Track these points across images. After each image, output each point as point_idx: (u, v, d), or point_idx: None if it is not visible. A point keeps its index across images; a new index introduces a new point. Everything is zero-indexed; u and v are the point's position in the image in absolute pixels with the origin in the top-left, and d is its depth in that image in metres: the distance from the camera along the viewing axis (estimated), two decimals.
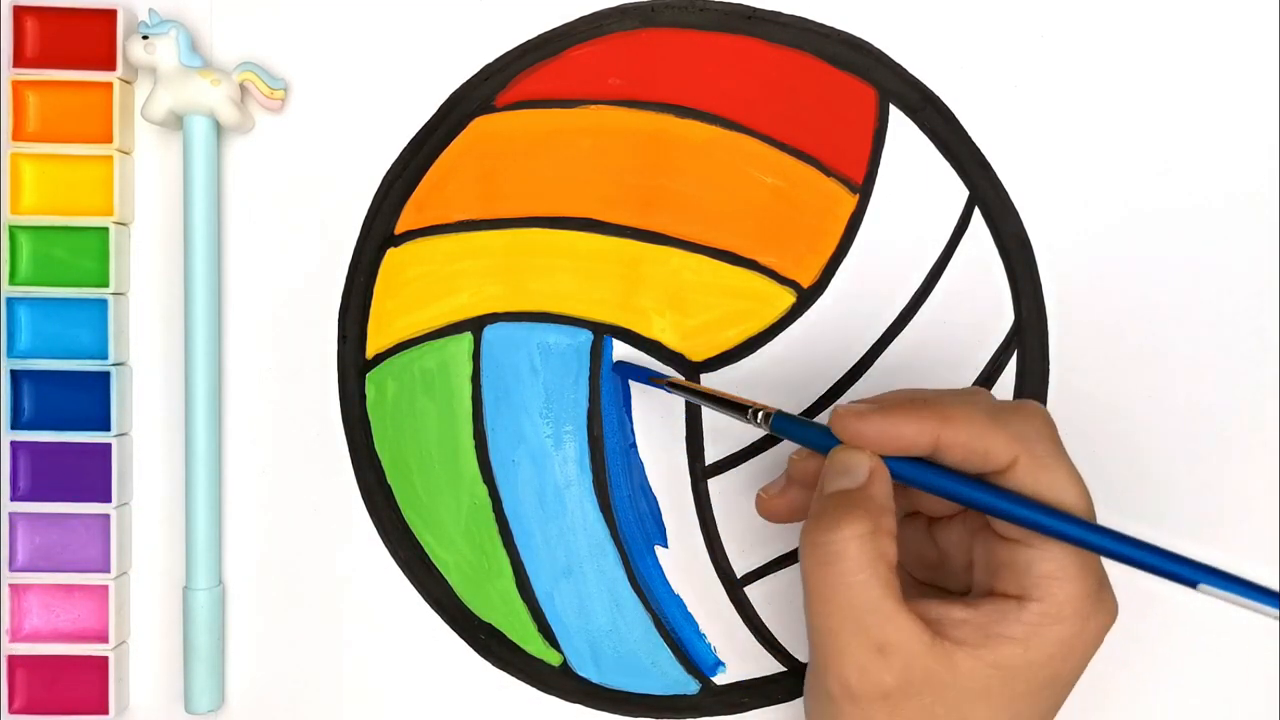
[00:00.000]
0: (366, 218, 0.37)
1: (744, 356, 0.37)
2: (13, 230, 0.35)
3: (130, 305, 0.37)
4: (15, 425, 0.36)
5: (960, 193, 0.37)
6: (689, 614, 0.37)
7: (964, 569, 0.31)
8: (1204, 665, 0.37)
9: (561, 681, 0.37)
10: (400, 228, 0.37)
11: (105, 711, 0.36)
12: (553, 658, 0.37)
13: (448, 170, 0.37)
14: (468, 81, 0.36)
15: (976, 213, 0.37)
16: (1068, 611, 0.27)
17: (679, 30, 0.36)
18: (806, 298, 0.37)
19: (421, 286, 0.37)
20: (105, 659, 0.36)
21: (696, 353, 0.37)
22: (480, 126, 0.37)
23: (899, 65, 0.36)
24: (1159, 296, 0.36)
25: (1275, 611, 0.24)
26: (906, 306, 0.36)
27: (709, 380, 0.36)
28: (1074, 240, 0.36)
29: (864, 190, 0.36)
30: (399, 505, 0.37)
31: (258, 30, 0.36)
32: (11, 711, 0.36)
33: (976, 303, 0.36)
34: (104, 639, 0.36)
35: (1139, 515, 0.36)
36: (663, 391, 0.36)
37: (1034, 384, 0.37)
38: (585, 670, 0.37)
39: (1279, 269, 0.36)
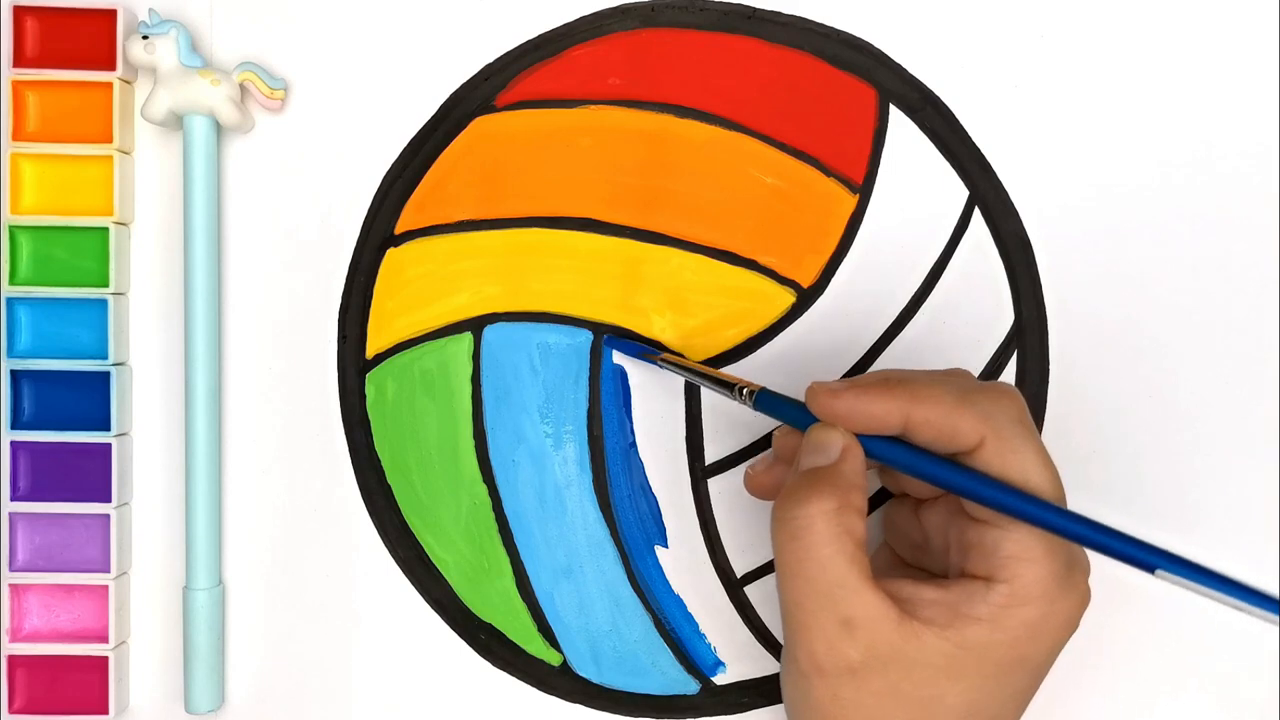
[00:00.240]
0: (366, 218, 0.37)
1: (744, 356, 0.37)
2: (13, 230, 0.35)
3: (130, 305, 0.37)
4: (15, 425, 0.36)
5: (960, 193, 0.37)
6: (689, 614, 0.37)
7: (945, 551, 0.31)
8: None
9: (561, 681, 0.37)
10: (400, 228, 0.37)
11: (105, 711, 0.36)
12: (553, 658, 0.37)
13: (448, 170, 0.37)
14: (468, 81, 0.36)
15: (976, 213, 0.37)
16: (1034, 593, 0.27)
17: (679, 30, 0.36)
18: (806, 298, 0.37)
19: (421, 286, 0.37)
20: (105, 659, 0.36)
21: (696, 353, 0.37)
22: (480, 126, 0.37)
23: (899, 65, 0.36)
24: (1159, 296, 0.36)
25: (1230, 600, 0.23)
26: (906, 306, 0.36)
27: None
28: (1074, 240, 0.36)
29: (864, 190, 0.36)
30: (399, 505, 0.37)
31: (258, 30, 0.36)
32: (11, 711, 0.36)
33: (976, 303, 0.36)
34: (104, 639, 0.36)
35: (1139, 515, 0.36)
36: (671, 386, 0.36)
37: (1034, 384, 0.37)
38: (585, 670, 0.37)
39: (1279, 269, 0.36)
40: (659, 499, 0.37)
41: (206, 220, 0.35)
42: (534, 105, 0.36)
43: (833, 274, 0.36)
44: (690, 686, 0.37)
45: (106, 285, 0.35)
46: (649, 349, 0.36)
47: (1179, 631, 0.37)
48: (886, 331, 0.36)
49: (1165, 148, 0.36)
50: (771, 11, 0.36)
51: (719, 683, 0.37)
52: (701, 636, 0.37)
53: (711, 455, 0.37)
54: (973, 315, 0.36)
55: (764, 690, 0.37)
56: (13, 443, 0.36)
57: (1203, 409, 0.36)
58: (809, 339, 0.36)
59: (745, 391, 0.31)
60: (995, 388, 0.29)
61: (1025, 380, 0.37)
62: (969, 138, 0.36)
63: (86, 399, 0.36)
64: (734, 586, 0.37)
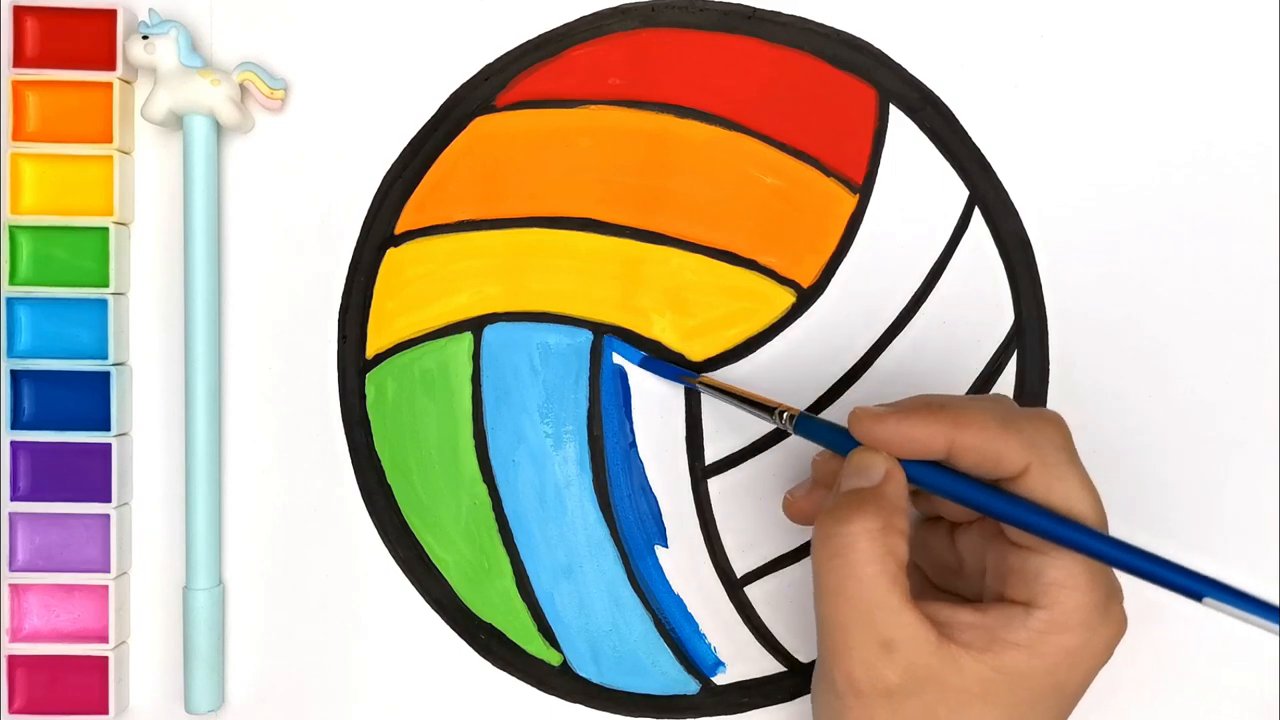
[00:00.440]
0: (366, 218, 0.37)
1: (744, 356, 0.37)
2: (13, 230, 0.35)
3: (130, 305, 0.37)
4: (15, 425, 0.36)
5: (960, 193, 0.37)
6: (689, 614, 0.37)
7: (980, 575, 0.31)
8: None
9: (561, 681, 0.37)
10: (400, 228, 0.37)
11: (105, 711, 0.36)
12: (553, 658, 0.37)
13: (448, 170, 0.37)
14: (468, 81, 0.36)
15: (976, 213, 0.37)
16: (1074, 621, 0.27)
17: (679, 30, 0.36)
18: (806, 298, 0.37)
19: (421, 286, 0.37)
20: (105, 659, 0.36)
21: (696, 353, 0.37)
22: (480, 126, 0.37)
23: (899, 65, 0.36)
24: (1159, 296, 0.36)
25: (1278, 628, 0.24)
26: (906, 306, 0.36)
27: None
28: (1074, 240, 0.36)
29: (864, 190, 0.36)
30: (399, 505, 0.37)
31: (258, 30, 0.36)
32: (11, 711, 0.36)
33: (976, 303, 0.36)
34: (104, 639, 0.36)
35: (1139, 515, 0.36)
36: (671, 386, 0.36)
37: (1034, 384, 0.37)
38: (585, 670, 0.37)
39: (1279, 269, 0.36)
40: (659, 499, 0.37)
41: (206, 220, 0.35)
42: (534, 105, 0.36)
43: (833, 274, 0.36)
44: (690, 686, 0.37)
45: (106, 285, 0.35)
46: (683, 371, 0.36)
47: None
48: (886, 331, 0.36)
49: (1165, 148, 0.36)
50: (771, 11, 0.36)
51: (719, 683, 0.37)
52: (701, 636, 0.37)
53: (711, 455, 0.37)
54: (973, 315, 0.36)
55: (764, 690, 0.37)
56: (13, 443, 0.36)
57: (1203, 409, 0.36)
58: (809, 339, 0.37)
59: (785, 415, 0.31)
60: (1039, 414, 0.29)
61: (1025, 380, 0.37)
62: (969, 138, 0.36)
63: (86, 399, 0.36)
64: (734, 586, 0.37)
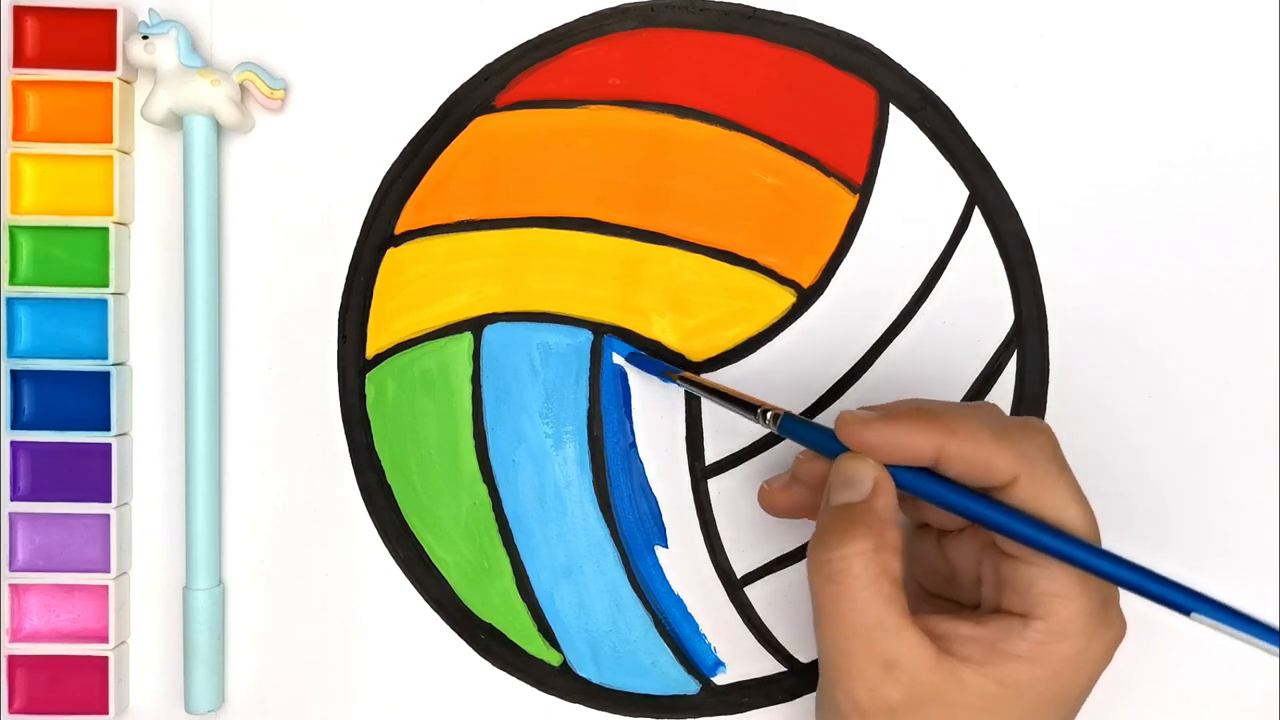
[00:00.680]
0: (366, 218, 0.37)
1: (744, 356, 0.37)
2: (13, 230, 0.35)
3: (130, 305, 0.37)
4: (15, 425, 0.36)
5: (960, 193, 0.37)
6: (689, 614, 0.37)
7: (973, 583, 0.31)
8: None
9: (561, 681, 0.37)
10: (400, 228, 0.37)
11: (105, 711, 0.36)
12: (553, 658, 0.37)
13: (448, 170, 0.37)
14: (468, 81, 0.36)
15: (976, 213, 0.37)
16: (1072, 629, 0.27)
17: (679, 30, 0.36)
18: (806, 298, 0.37)
19: (421, 286, 0.37)
20: (105, 659, 0.36)
21: (696, 353, 0.37)
22: (480, 126, 0.37)
23: (899, 65, 0.36)
24: (1159, 296, 0.36)
25: (1270, 646, 0.24)
26: (906, 306, 0.36)
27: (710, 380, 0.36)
28: (1074, 240, 0.36)
29: (864, 190, 0.36)
30: (399, 505, 0.37)
31: (258, 30, 0.36)
32: (11, 711, 0.36)
33: (976, 303, 0.36)
34: (104, 639, 0.36)
35: (1138, 515, 0.36)
36: (671, 386, 0.36)
37: (1034, 384, 0.37)
38: (585, 670, 0.37)
39: (1279, 269, 0.36)
40: (659, 499, 0.37)
41: (206, 220, 0.35)
42: (534, 105, 0.36)
43: (833, 274, 0.36)
44: (690, 686, 0.37)
45: (106, 285, 0.35)
46: (667, 366, 0.35)
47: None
48: (886, 331, 0.36)
49: (1165, 148, 0.36)
50: (771, 11, 0.36)
51: (719, 683, 0.37)
52: (701, 636, 0.37)
53: (711, 455, 0.37)
54: (973, 315, 0.36)
55: (764, 690, 0.37)
56: (13, 443, 0.36)
57: (1203, 409, 0.36)
58: (809, 339, 0.36)
59: (769, 415, 0.31)
60: (1028, 424, 0.29)
61: (1025, 380, 0.37)
62: (969, 138, 0.36)
63: (86, 399, 0.36)
64: (734, 586, 0.37)
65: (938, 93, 0.36)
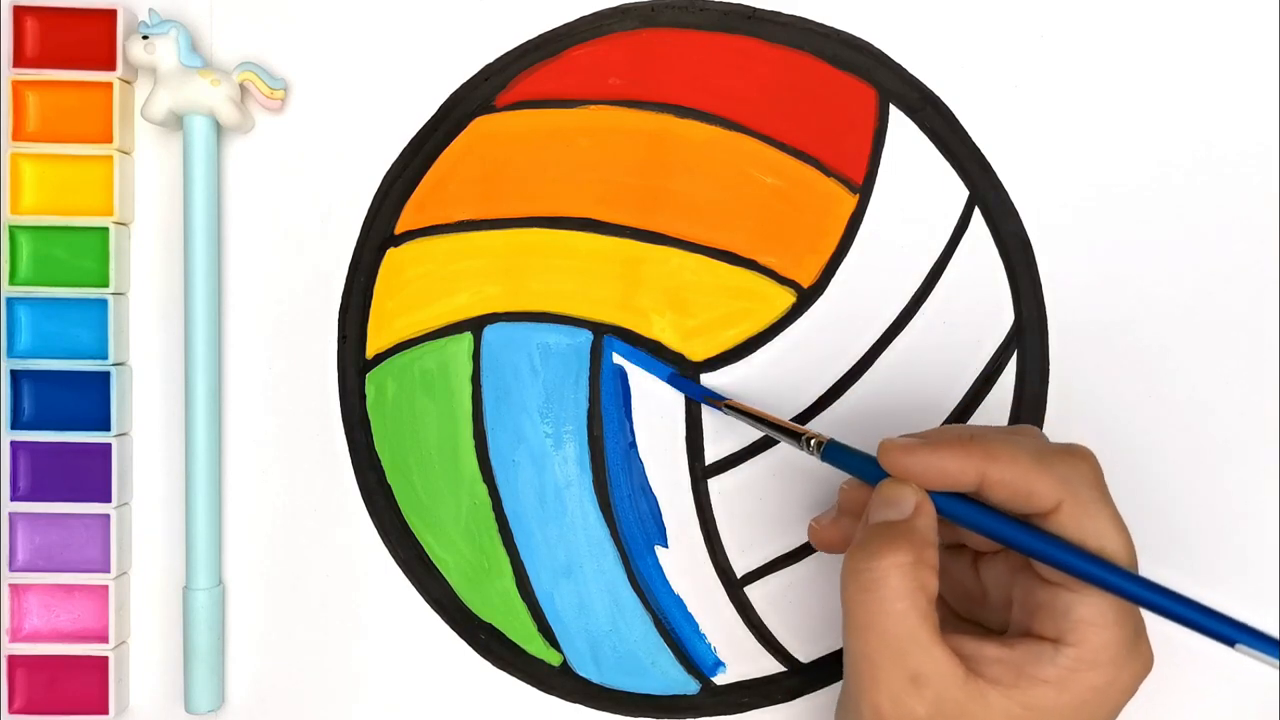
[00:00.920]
0: (366, 218, 0.37)
1: (744, 356, 0.37)
2: (13, 230, 0.35)
3: (130, 305, 0.37)
4: (15, 425, 0.36)
5: (960, 193, 0.37)
6: (689, 614, 0.37)
7: (1004, 606, 0.31)
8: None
9: (561, 681, 0.37)
10: (400, 228, 0.37)
11: (105, 711, 0.36)
12: (553, 658, 0.37)
13: (448, 170, 0.37)
14: (468, 81, 0.36)
15: (976, 213, 0.37)
16: (1103, 658, 0.27)
17: (679, 30, 0.36)
18: (806, 298, 0.37)
19: (421, 286, 0.37)
20: (105, 659, 0.36)
21: (696, 353, 0.37)
22: (480, 126, 0.37)
23: (899, 65, 0.36)
24: (1159, 296, 0.36)
25: None
26: (906, 306, 0.36)
27: (709, 380, 0.36)
28: (1074, 240, 0.36)
29: (864, 190, 0.36)
30: (399, 505, 0.37)
31: (258, 30, 0.36)
32: (11, 711, 0.36)
33: (976, 303, 0.36)
34: (104, 639, 0.36)
35: (1139, 515, 0.36)
36: (670, 386, 0.36)
37: (1034, 384, 0.37)
38: (585, 670, 0.37)
39: (1279, 269, 0.36)
40: (659, 499, 0.37)
41: (206, 220, 0.35)
42: (534, 105, 0.36)
43: (833, 274, 0.36)
44: (690, 686, 0.37)
45: (106, 285, 0.35)
46: (709, 392, 0.36)
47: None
48: (886, 331, 0.36)
49: (1165, 148, 0.36)
50: (771, 11, 0.36)
51: (719, 683, 0.37)
52: (701, 636, 0.37)
53: (711, 455, 0.37)
54: (973, 315, 0.36)
55: (764, 690, 0.37)
56: (13, 443, 0.36)
57: (1203, 409, 0.36)
58: (809, 339, 0.36)
59: (813, 443, 0.31)
60: (1072, 450, 0.29)
61: (1025, 380, 0.37)
62: (969, 138, 0.36)
63: (86, 399, 0.36)
64: (734, 586, 0.37)
65: (938, 93, 0.36)
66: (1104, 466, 0.36)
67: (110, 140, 0.35)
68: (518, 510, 0.37)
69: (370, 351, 0.37)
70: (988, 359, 0.37)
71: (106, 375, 0.35)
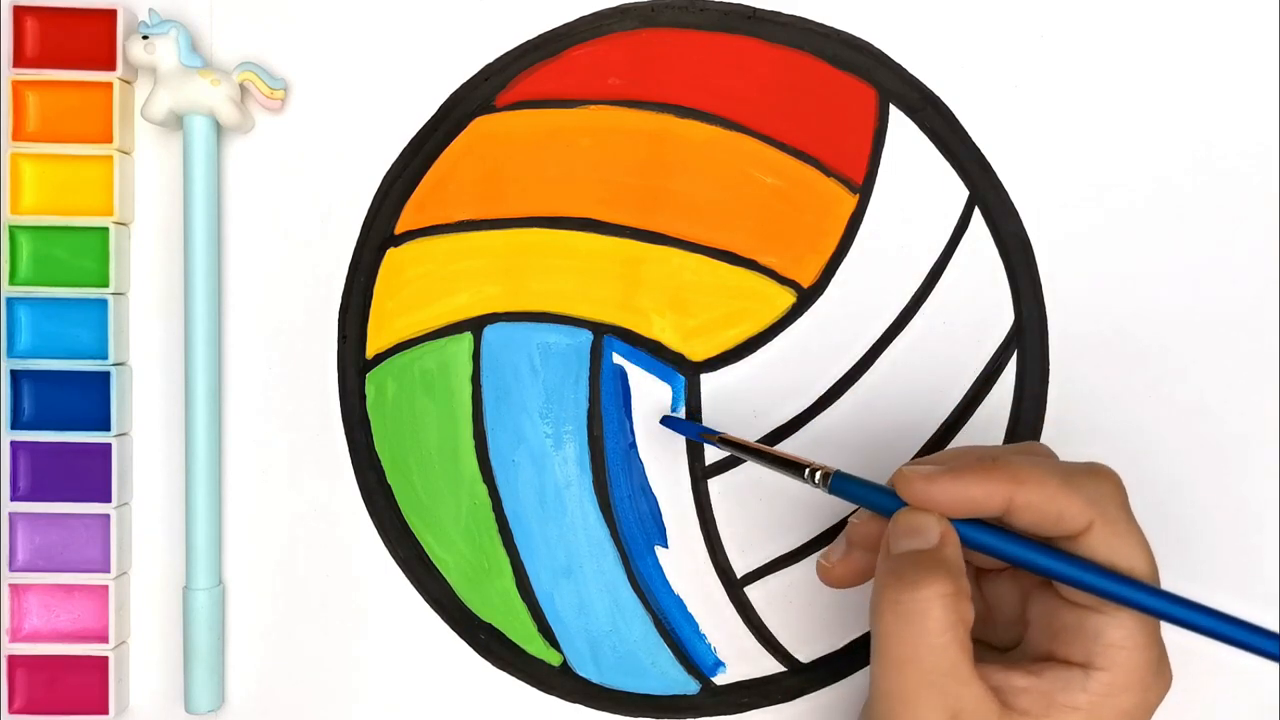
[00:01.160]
0: (366, 218, 0.37)
1: (744, 356, 0.37)
2: (13, 230, 0.35)
3: (130, 305, 0.37)
4: (15, 425, 0.36)
5: (960, 193, 0.37)
6: (689, 614, 0.37)
7: (1011, 623, 0.30)
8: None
9: (561, 681, 0.37)
10: (400, 228, 0.37)
11: (105, 711, 0.36)
12: (553, 658, 0.37)
13: (448, 170, 0.37)
14: (468, 81, 0.36)
15: (976, 213, 0.37)
16: (1133, 681, 0.26)
17: (679, 30, 0.36)
18: (806, 298, 0.37)
19: (421, 286, 0.37)
20: (105, 659, 0.36)
21: (696, 353, 0.37)
22: (480, 126, 0.37)
23: (899, 65, 0.36)
24: (1159, 296, 0.36)
25: None
26: (906, 306, 0.36)
27: (710, 381, 0.36)
28: (1074, 240, 0.36)
29: (864, 190, 0.36)
30: (399, 505, 0.37)
31: (258, 30, 0.36)
32: (11, 711, 0.36)
33: (976, 303, 0.36)
34: (104, 639, 0.36)
35: (1138, 516, 0.36)
36: (669, 387, 0.36)
37: (1034, 384, 0.37)
38: (585, 670, 0.37)
39: (1279, 269, 0.36)
40: (659, 499, 0.37)
41: (206, 220, 0.35)
42: (534, 105, 0.36)
43: (833, 274, 0.36)
44: (690, 686, 0.37)
45: (106, 285, 0.35)
46: (703, 428, 0.35)
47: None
48: (886, 331, 0.36)
49: (1165, 147, 0.36)
50: (771, 11, 0.36)
51: (719, 683, 0.37)
52: (701, 636, 0.37)
53: (711, 455, 0.37)
54: (973, 315, 0.36)
55: (764, 690, 0.37)
56: (13, 443, 0.36)
57: (1202, 409, 0.36)
58: (809, 339, 0.36)
59: (818, 475, 0.30)
60: (1096, 470, 0.28)
61: (1025, 380, 0.37)
62: (969, 138, 0.36)
63: (86, 399, 0.36)
64: (734, 586, 0.37)
65: (938, 93, 0.36)
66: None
67: (110, 140, 0.35)
68: (518, 510, 0.37)
69: (370, 351, 0.37)
70: (988, 359, 0.37)
71: (106, 375, 0.35)
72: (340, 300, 0.37)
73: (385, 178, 0.36)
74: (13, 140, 0.35)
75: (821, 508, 0.37)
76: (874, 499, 0.29)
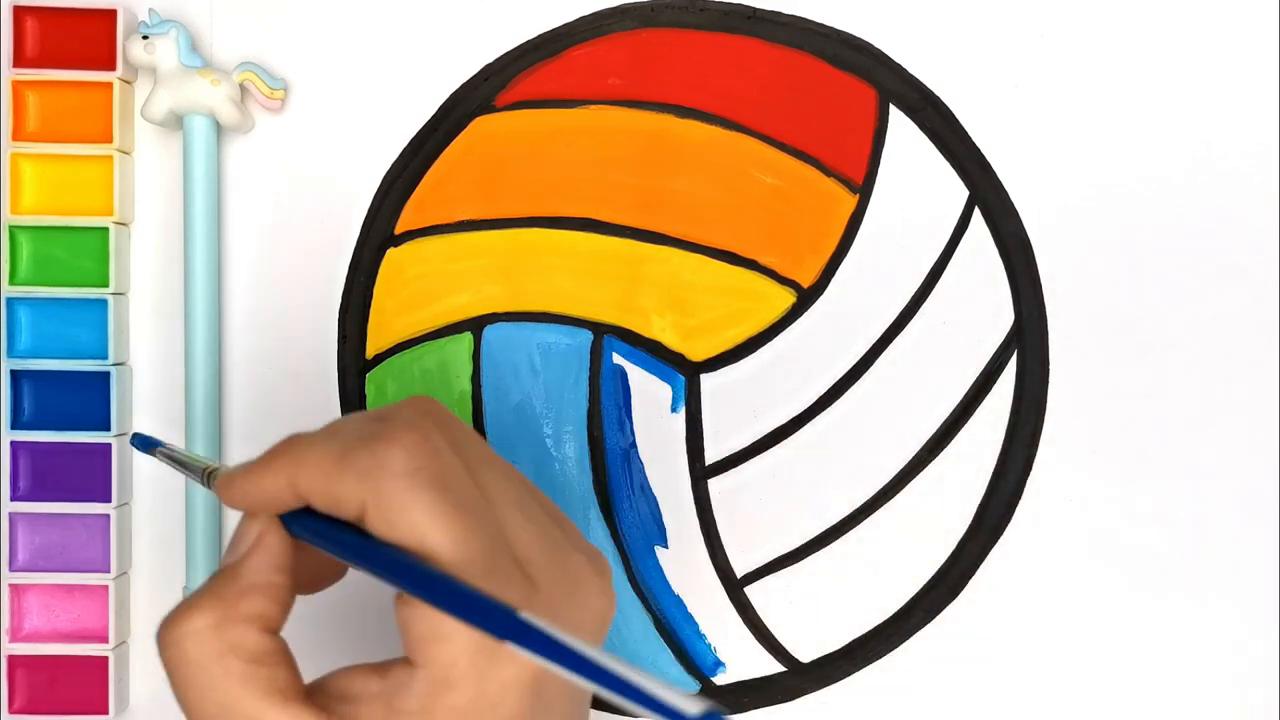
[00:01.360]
0: (366, 218, 0.37)
1: (744, 356, 0.37)
2: (13, 230, 0.35)
3: (130, 305, 0.37)
4: (15, 425, 0.36)
5: (960, 193, 0.37)
6: (689, 614, 0.37)
7: None
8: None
9: None
10: (400, 228, 0.37)
11: (105, 711, 0.36)
12: None
13: (448, 170, 0.37)
14: (468, 81, 0.36)
15: (976, 213, 0.37)
16: (455, 675, 0.23)
17: (679, 30, 0.36)
18: (806, 298, 0.37)
19: (421, 286, 0.37)
20: (105, 659, 0.36)
21: (696, 353, 0.37)
22: (480, 126, 0.37)
23: (899, 65, 0.36)
24: (1159, 296, 0.36)
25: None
26: (906, 306, 0.36)
27: (710, 380, 0.36)
28: (1074, 240, 0.36)
29: (864, 190, 0.36)
30: None
31: (258, 30, 0.36)
32: (11, 711, 0.36)
33: (976, 303, 0.36)
34: (104, 639, 0.36)
35: (1138, 516, 0.36)
36: (670, 386, 0.36)
37: (1034, 384, 0.37)
38: None
39: (1279, 269, 0.36)
40: (659, 499, 0.37)
41: (206, 220, 0.35)
42: (534, 105, 0.36)
43: (833, 274, 0.36)
44: (690, 686, 0.37)
45: (106, 285, 0.35)
46: (158, 443, 0.32)
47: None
48: (886, 331, 0.36)
49: (1165, 148, 0.36)
50: (771, 11, 0.36)
51: (719, 683, 0.37)
52: (701, 636, 0.37)
53: (711, 455, 0.37)
54: (973, 315, 0.36)
55: (764, 690, 0.37)
56: (13, 443, 0.36)
57: (1203, 409, 0.36)
58: (809, 339, 0.36)
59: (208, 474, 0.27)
60: (380, 435, 0.23)
61: (1025, 380, 0.37)
62: (969, 138, 0.36)
63: (86, 399, 0.36)
64: (734, 586, 0.37)
65: (938, 93, 0.36)
66: (1103, 465, 0.36)
67: (110, 140, 0.35)
68: None
69: (370, 351, 0.37)
70: (988, 359, 0.37)
71: (106, 375, 0.35)
72: (340, 300, 0.37)
73: (385, 178, 0.36)
74: (13, 140, 0.35)
75: (822, 507, 0.37)
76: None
